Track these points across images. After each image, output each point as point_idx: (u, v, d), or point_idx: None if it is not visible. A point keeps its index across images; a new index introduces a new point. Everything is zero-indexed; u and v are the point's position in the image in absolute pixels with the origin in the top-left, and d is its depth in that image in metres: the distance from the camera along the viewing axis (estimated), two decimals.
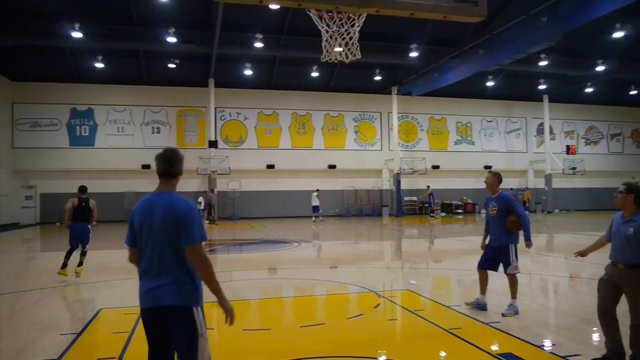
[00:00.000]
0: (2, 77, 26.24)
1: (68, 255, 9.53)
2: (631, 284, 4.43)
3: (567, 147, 34.00)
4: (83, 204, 9.68)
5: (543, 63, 26.88)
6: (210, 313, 7.31)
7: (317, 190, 27.91)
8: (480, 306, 6.70)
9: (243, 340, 5.78)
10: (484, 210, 31.56)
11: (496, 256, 6.57)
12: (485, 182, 6.75)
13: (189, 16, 24.27)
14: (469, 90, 32.49)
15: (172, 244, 3.07)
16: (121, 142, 28.62)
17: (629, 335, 4.46)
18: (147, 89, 29.16)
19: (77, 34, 22.11)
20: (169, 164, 3.26)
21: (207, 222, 25.44)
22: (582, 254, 5.13)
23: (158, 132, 29.42)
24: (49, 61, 26.90)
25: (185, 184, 28.86)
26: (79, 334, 5.84)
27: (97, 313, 6.72)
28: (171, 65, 27.03)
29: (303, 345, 5.56)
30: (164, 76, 28.71)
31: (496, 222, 6.54)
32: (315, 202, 26.99)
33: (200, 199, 26.96)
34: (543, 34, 20.03)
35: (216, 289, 3.18)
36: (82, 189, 9.86)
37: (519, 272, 6.52)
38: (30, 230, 23.93)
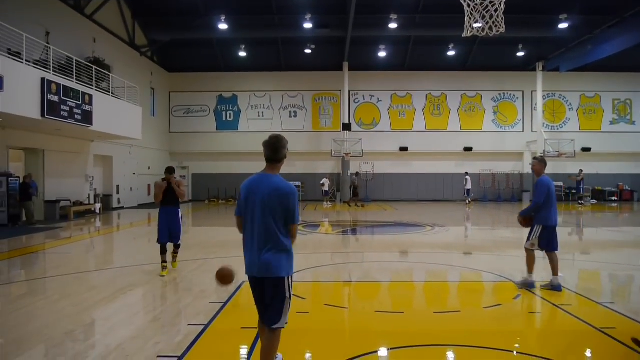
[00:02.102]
0: (160, 69, 29.23)
1: (163, 252, 8.38)
2: None
3: None
4: (171, 186, 8.44)
5: None
6: (344, 291, 7.56)
7: (467, 173, 27.28)
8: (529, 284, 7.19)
9: (376, 322, 5.80)
10: None
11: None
12: (539, 168, 7.23)
13: (324, 1, 24.74)
14: (630, 62, 28.85)
15: (273, 220, 3.57)
16: (261, 126, 30.30)
17: None
18: (285, 74, 30.47)
19: (223, 26, 23.78)
20: (274, 151, 3.70)
21: (355, 203, 25.82)
22: None
23: (295, 116, 30.66)
24: (198, 52, 29.38)
25: (320, 166, 29.86)
26: (225, 303, 6.31)
27: (240, 285, 7.16)
28: (307, 51, 27.91)
29: (436, 331, 5.42)
30: (300, 62, 29.72)
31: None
32: (469, 185, 26.73)
33: (324, 180, 27.62)
34: None
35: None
36: (170, 170, 8.49)
37: (535, 249, 7.20)
38: (184, 207, 26.48)
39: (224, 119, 30.66)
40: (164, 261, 8.32)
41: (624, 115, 31.02)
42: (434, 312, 6.24)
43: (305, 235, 13.76)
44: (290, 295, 3.71)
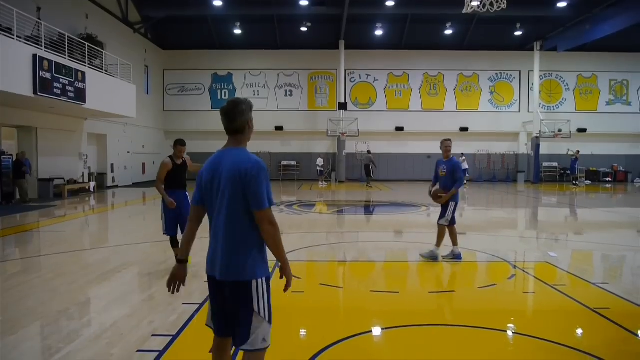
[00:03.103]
0: (155, 46, 28.85)
1: (174, 244, 7.24)
2: None
3: None
4: (180, 164, 7.27)
5: None
6: (339, 271, 7.58)
7: (462, 154, 27.36)
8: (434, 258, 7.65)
9: (371, 301, 5.82)
10: (639, 180, 28.72)
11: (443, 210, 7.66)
12: (447, 147, 7.52)
13: None
14: (628, 42, 28.67)
15: (237, 207, 2.76)
16: (256, 105, 29.46)
17: None
18: (281, 52, 30.15)
19: (217, 3, 23.48)
20: (229, 120, 2.89)
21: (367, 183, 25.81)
22: None
23: (290, 95, 30.45)
24: (193, 30, 29.00)
25: (316, 146, 29.77)
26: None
27: None
28: (303, 29, 27.57)
29: (431, 311, 5.45)
30: (296, 40, 29.39)
31: (444, 182, 7.59)
32: (465, 165, 26.57)
33: (320, 160, 27.61)
34: None
35: (282, 256, 2.84)
36: (182, 142, 7.35)
37: (447, 224, 7.66)
38: None
39: (219, 97, 30.39)
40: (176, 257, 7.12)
41: (621, 96, 30.96)
42: (429, 292, 6.28)
43: (300, 215, 13.76)
44: (261, 309, 2.77)
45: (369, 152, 26.49)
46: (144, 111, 26.24)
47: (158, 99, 29.85)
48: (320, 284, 6.48)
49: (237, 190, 2.73)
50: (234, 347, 2.95)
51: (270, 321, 2.84)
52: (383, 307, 5.63)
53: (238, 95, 30.18)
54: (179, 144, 7.18)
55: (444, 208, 7.78)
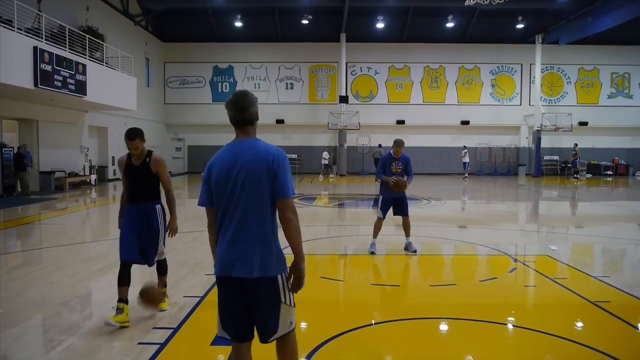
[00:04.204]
0: (155, 38, 28.76)
1: (124, 280, 4.71)
2: None
3: None
4: (139, 166, 4.76)
5: None
6: (340, 264, 7.59)
7: (465, 147, 27.36)
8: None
9: (371, 294, 5.83)
10: (639, 173, 28.66)
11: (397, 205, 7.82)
12: (401, 148, 7.72)
13: None
14: (630, 35, 28.45)
15: (259, 199, 2.65)
16: (258, 98, 29.89)
17: None
18: (282, 45, 30.04)
19: None
20: (241, 109, 2.77)
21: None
22: None
23: (291, 88, 30.37)
24: (194, 22, 28.88)
25: (317, 139, 29.76)
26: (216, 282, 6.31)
27: None
28: (304, 22, 27.45)
29: (432, 304, 5.42)
30: (297, 33, 29.27)
31: (399, 174, 7.70)
32: (466, 158, 26.80)
33: (325, 153, 27.56)
34: None
35: (300, 249, 2.76)
36: (133, 134, 4.61)
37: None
38: (180, 178, 26.40)
39: (219, 90, 30.31)
40: (120, 299, 4.59)
41: (622, 89, 30.84)
42: (430, 285, 6.25)
43: (302, 208, 13.76)
44: (287, 298, 2.74)
45: (379, 145, 26.45)
46: (145, 104, 26.18)
47: (159, 92, 29.79)
48: (321, 277, 6.45)
49: (262, 180, 2.62)
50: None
51: (294, 305, 2.81)
52: (384, 300, 5.65)
53: (239, 87, 30.04)
54: (127, 136, 4.61)
55: (406, 204, 7.89)
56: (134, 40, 25.32)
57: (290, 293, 2.78)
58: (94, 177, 20.73)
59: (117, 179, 23.45)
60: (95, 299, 5.64)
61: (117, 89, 19.52)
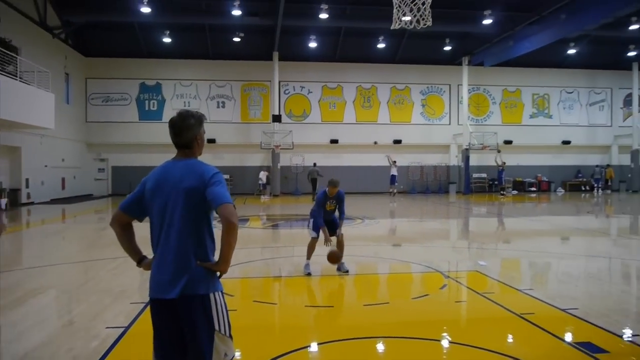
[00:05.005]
0: (76, 53, 27.37)
1: None
2: None
3: None
4: None
5: (634, 27, 24.39)
6: (274, 287, 7.30)
7: (394, 161, 27.73)
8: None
9: (305, 316, 5.77)
10: (560, 189, 30.34)
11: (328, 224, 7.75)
12: (336, 187, 7.73)
13: None
14: (548, 59, 30.42)
15: (191, 215, 2.58)
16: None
17: None
18: (213, 63, 29.53)
19: (145, 9, 22.54)
20: (175, 133, 2.75)
21: None
22: None
23: (223, 107, 29.84)
24: (119, 37, 27.80)
25: (250, 159, 29.32)
26: (147, 304, 5.85)
27: None
28: (236, 39, 27.16)
29: (366, 324, 5.38)
30: (229, 50, 28.91)
31: (332, 214, 7.88)
32: (394, 171, 27.19)
33: (262, 173, 27.21)
34: None
35: (230, 256, 2.59)
36: None
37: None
38: (103, 201, 25.05)
39: (146, 108, 29.23)
40: None
41: (543, 109, 32.69)
42: (364, 305, 6.20)
43: None
44: (222, 326, 2.61)
45: (314, 165, 26.35)
46: (64, 122, 24.73)
47: (80, 109, 28.23)
48: (255, 301, 6.28)
49: (194, 198, 2.57)
50: None
51: (231, 336, 2.67)
52: (318, 322, 5.58)
53: (168, 105, 29.18)
54: None
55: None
56: (52, 54, 23.91)
57: (226, 322, 2.65)
58: (4, 201, 19.14)
59: (32, 203, 21.82)
60: (5, 335, 5.01)
61: (32, 106, 18.25)
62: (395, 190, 27.50)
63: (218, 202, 2.51)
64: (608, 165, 31.91)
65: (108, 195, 28.45)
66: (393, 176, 27.35)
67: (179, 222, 2.57)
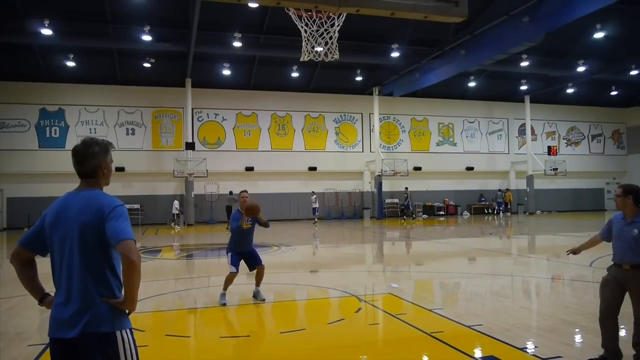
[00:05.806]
0: None
1: None
2: (637, 283, 4.42)
3: (549, 147, 33.93)
4: None
5: (524, 63, 26.88)
6: (188, 319, 7.05)
7: (313, 192, 27.98)
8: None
9: (221, 348, 5.64)
10: (466, 212, 32.12)
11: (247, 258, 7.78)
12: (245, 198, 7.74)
13: (165, 14, 23.70)
14: (451, 91, 32.52)
15: (91, 251, 2.46)
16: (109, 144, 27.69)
17: (633, 332, 4.50)
18: (121, 88, 28.39)
19: (46, 31, 21.30)
20: (77, 161, 2.64)
21: None
22: (575, 252, 5.07)
23: (133, 134, 28.70)
24: (16, 59, 25.86)
25: (162, 187, 28.37)
26: (47, 345, 5.45)
27: None
28: (146, 65, 26.28)
29: (283, 352, 5.37)
30: (138, 76, 28.00)
31: (250, 233, 7.77)
32: (316, 204, 27.39)
33: (176, 202, 26.47)
34: (524, 35, 19.94)
35: (135, 294, 2.47)
36: None
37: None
38: None
39: (48, 135, 27.37)
40: None
41: (448, 137, 34.67)
42: (280, 333, 6.19)
43: (145, 262, 12.74)
44: None
45: (230, 193, 25.93)
46: None
47: None
48: (167, 335, 6.03)
49: (93, 232, 2.44)
50: None
51: None
52: (234, 353, 5.48)
53: (72, 132, 27.53)
54: None
55: (257, 257, 7.91)
56: None
57: None
58: None
59: None
60: None
61: None
62: (316, 220, 27.72)
63: (117, 239, 2.39)
64: (507, 190, 34.36)
65: (2, 229, 26.06)
66: (314, 208, 27.59)
67: (78, 258, 2.44)
